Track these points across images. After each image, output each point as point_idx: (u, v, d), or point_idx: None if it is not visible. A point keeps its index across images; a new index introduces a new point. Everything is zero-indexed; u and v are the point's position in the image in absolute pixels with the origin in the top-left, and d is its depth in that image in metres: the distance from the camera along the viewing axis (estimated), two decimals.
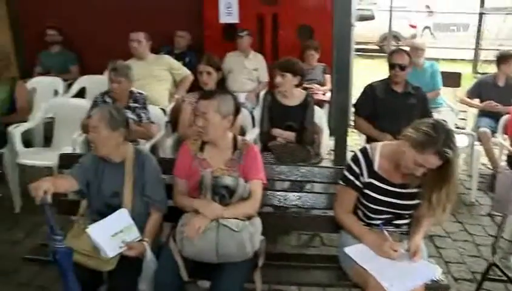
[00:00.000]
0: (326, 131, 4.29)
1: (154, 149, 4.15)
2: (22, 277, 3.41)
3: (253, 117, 4.39)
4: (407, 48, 5.01)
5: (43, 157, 4.30)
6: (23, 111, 4.67)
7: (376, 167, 2.56)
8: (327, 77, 5.76)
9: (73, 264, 2.33)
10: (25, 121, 4.60)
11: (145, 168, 2.67)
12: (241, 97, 5.22)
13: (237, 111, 2.70)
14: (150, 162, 2.72)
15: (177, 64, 5.20)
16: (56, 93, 5.56)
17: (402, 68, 3.99)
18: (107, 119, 2.59)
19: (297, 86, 4.00)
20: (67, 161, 3.06)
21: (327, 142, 4.26)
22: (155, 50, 5.34)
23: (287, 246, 3.87)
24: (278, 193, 3.06)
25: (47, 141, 4.87)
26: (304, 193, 3.12)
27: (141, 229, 2.60)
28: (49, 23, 6.42)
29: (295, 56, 4.57)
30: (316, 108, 4.19)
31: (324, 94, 5.60)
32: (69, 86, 5.76)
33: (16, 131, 4.36)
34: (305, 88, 4.39)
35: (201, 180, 2.56)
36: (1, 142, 4.35)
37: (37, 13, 6.50)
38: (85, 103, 4.54)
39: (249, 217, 2.57)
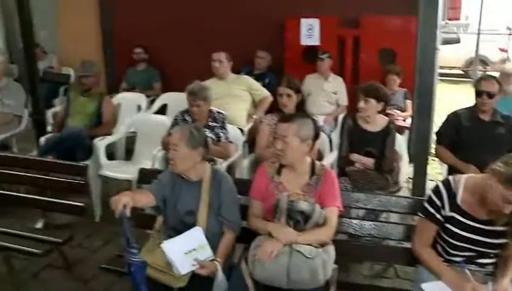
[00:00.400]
0: (405, 159, 4.15)
1: (230, 169, 4.19)
2: (98, 286, 3.51)
3: (330, 141, 4.34)
4: (496, 74, 4.77)
5: (124, 171, 4.46)
6: (108, 125, 4.87)
7: (459, 200, 2.43)
8: (408, 102, 5.61)
9: (146, 278, 2.38)
10: (110, 134, 4.80)
11: (222, 188, 2.69)
12: (320, 120, 5.17)
13: (316, 136, 2.67)
14: (227, 182, 2.73)
15: (257, 85, 5.25)
16: (139, 108, 5.77)
17: (490, 95, 3.77)
18: (187, 138, 2.64)
19: (380, 112, 3.91)
20: (146, 176, 3.15)
21: (406, 170, 4.12)
22: (235, 70, 5.42)
23: (360, 276, 3.75)
24: (354, 220, 2.99)
25: (128, 154, 5.04)
26: (380, 223, 3.03)
27: (214, 248, 2.61)
28: (136, 42, 6.72)
29: (376, 80, 4.48)
30: (396, 134, 4.07)
31: (404, 120, 5.45)
32: (152, 102, 5.97)
33: (100, 144, 4.56)
34: (386, 114, 4.28)
35: (277, 203, 2.54)
36: (87, 154, 4.55)
37: (126, 33, 6.83)
38: (166, 120, 4.67)
39: (323, 245, 2.51)
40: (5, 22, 8.04)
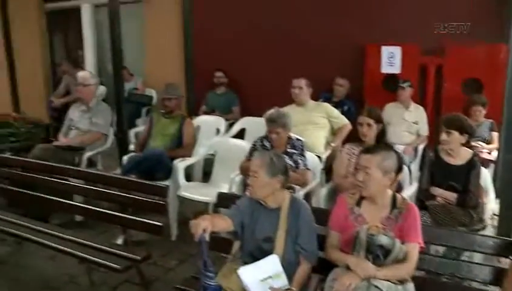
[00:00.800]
0: (491, 194, 3.95)
1: (307, 197, 4.16)
2: None
3: (410, 172, 4.22)
4: None
5: (201, 193, 4.53)
6: (188, 147, 5.00)
7: None
8: (495, 134, 5.34)
9: None
10: (189, 156, 4.92)
11: (300, 217, 2.67)
12: (399, 150, 5.05)
13: (400, 169, 2.61)
14: (306, 211, 2.71)
15: (336, 112, 5.21)
16: (218, 131, 5.89)
17: None
18: (267, 165, 2.65)
19: (464, 144, 3.76)
20: (224, 200, 3.19)
21: (491, 206, 3.91)
22: (314, 97, 5.41)
23: None
24: (434, 258, 2.86)
25: (205, 176, 5.14)
26: (462, 262, 2.89)
27: (289, 277, 2.58)
28: (217, 66, 6.90)
29: (459, 111, 4.33)
30: (481, 168, 3.89)
31: (490, 153, 5.19)
32: (230, 126, 6.08)
33: (180, 166, 4.68)
34: (470, 147, 4.11)
35: (356, 236, 2.49)
36: (166, 174, 4.69)
37: (207, 57, 7.04)
38: (244, 144, 4.74)
39: (402, 281, 2.43)
40: (98, 47, 8.59)
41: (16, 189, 4.39)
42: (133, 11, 7.71)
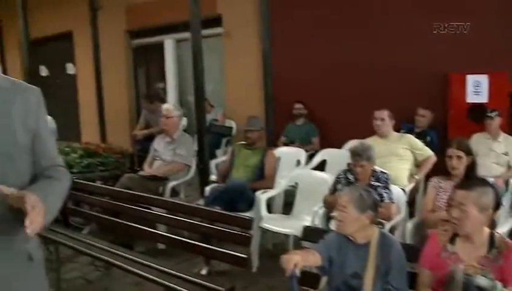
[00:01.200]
0: None
1: (391, 231, 4.03)
2: None
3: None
4: None
5: (284, 225, 4.52)
6: (270, 179, 5.03)
7: None
8: None
9: None
10: (271, 188, 4.95)
11: (391, 254, 2.60)
12: None
13: (497, 205, 2.48)
14: (396, 247, 2.64)
15: (420, 144, 5.07)
16: (298, 163, 5.89)
17: None
18: (357, 201, 2.62)
19: None
20: (309, 234, 3.16)
21: None
22: (395, 128, 5.32)
23: None
24: None
25: (286, 207, 5.13)
26: None
27: None
28: (296, 98, 6.95)
29: None
30: None
31: None
32: (310, 157, 6.06)
33: (262, 197, 4.71)
34: None
35: (450, 275, 2.38)
36: (248, 206, 4.73)
37: (287, 89, 7.11)
38: (326, 176, 4.70)
39: None
40: (179, 79, 8.92)
41: (105, 216, 4.59)
42: (214, 45, 7.96)
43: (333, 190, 4.10)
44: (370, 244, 2.64)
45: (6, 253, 1.64)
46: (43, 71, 11.78)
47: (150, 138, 7.63)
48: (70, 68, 11.28)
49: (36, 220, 1.45)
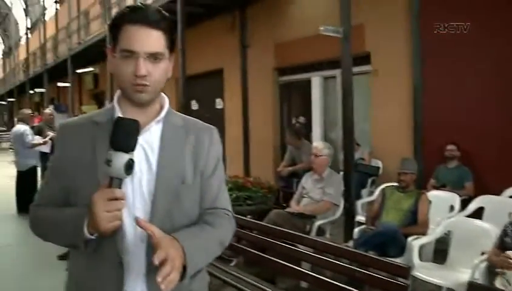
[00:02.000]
0: None
1: None
2: None
3: None
4: None
5: (437, 275, 4.24)
6: (424, 225, 4.79)
7: None
8: None
9: None
10: (424, 234, 4.69)
11: None
12: None
13: None
14: None
15: None
16: (451, 208, 5.54)
17: None
18: None
19: None
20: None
21: None
22: None
23: None
24: None
25: (436, 256, 4.83)
26: None
27: None
28: (448, 139, 6.59)
29: None
30: None
31: None
32: (462, 203, 5.68)
33: (415, 244, 4.47)
34: None
35: None
36: (399, 251, 4.53)
37: (438, 129, 6.79)
38: (488, 227, 4.33)
39: None
40: (324, 116, 8.98)
41: (251, 250, 4.66)
42: (360, 82, 7.88)
43: (500, 244, 3.75)
44: None
45: None
46: (194, 105, 12.56)
47: (294, 174, 7.75)
48: (219, 103, 11.90)
49: (167, 276, 1.38)
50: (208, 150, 1.71)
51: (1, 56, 48.10)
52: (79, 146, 1.63)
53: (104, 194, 1.44)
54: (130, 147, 1.46)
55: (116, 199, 1.44)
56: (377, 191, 5.75)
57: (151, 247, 1.48)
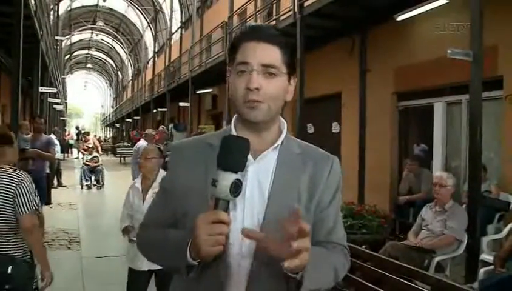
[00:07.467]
0: None
1: None
2: None
3: None
4: None
5: None
6: None
7: None
8: None
9: None
10: None
11: None
12: None
13: None
14: None
15: None
16: None
17: None
18: None
19: None
20: None
21: None
22: None
23: None
24: None
25: None
26: None
27: None
28: None
29: None
30: None
31: None
32: None
33: None
34: None
35: None
36: None
37: None
38: None
39: None
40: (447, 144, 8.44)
41: (363, 281, 4.41)
42: (489, 108, 7.26)
43: None
44: None
45: None
46: (310, 129, 12.46)
47: (410, 203, 7.33)
48: (335, 127, 11.69)
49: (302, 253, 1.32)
50: (327, 180, 1.61)
51: (131, 78, 51.91)
52: (191, 168, 1.58)
53: (208, 216, 1.36)
54: (237, 167, 1.38)
55: (220, 222, 1.35)
56: (507, 229, 5.24)
57: (254, 273, 1.47)
